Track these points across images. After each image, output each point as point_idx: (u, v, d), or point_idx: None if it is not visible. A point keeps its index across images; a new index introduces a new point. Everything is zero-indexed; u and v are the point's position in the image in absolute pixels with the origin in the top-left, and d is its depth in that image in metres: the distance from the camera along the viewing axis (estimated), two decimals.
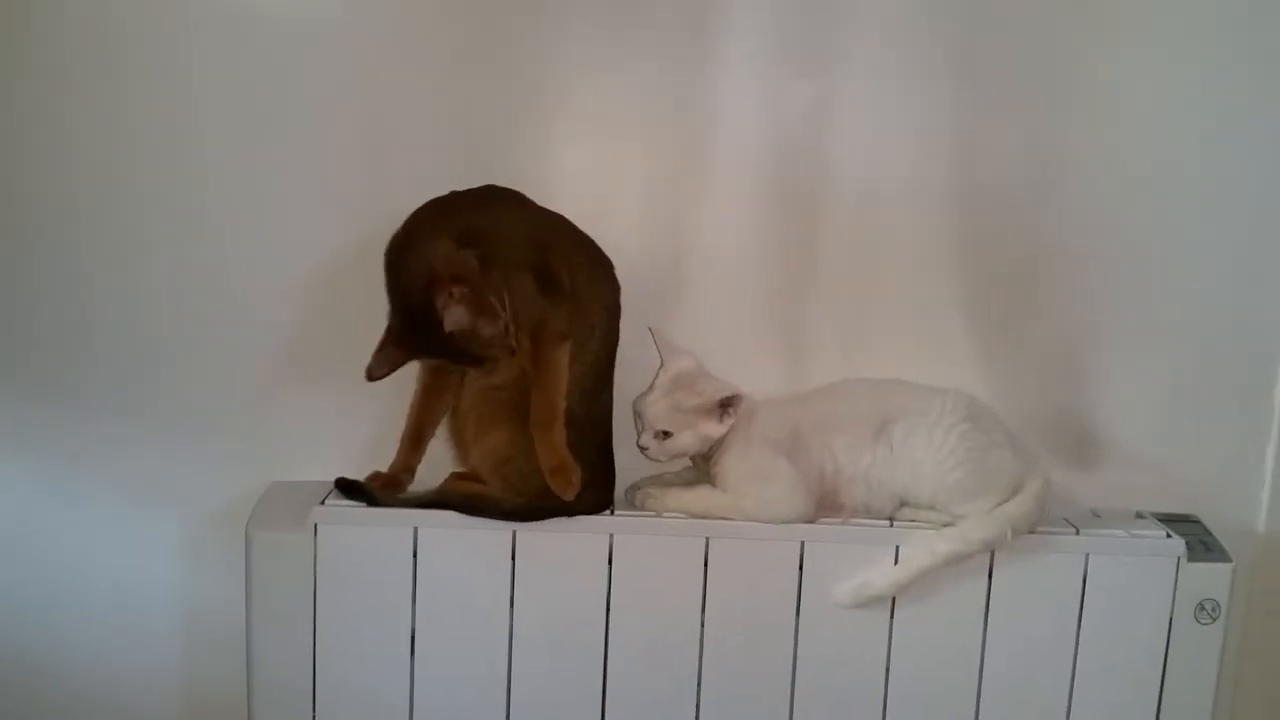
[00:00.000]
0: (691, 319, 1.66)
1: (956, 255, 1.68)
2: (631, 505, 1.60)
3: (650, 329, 1.60)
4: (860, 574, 1.56)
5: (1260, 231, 1.71)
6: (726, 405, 1.56)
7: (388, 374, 1.49)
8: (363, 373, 1.48)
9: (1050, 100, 1.66)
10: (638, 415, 1.59)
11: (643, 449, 1.58)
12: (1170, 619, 1.58)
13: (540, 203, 1.56)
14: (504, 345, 1.48)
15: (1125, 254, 1.70)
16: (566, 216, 1.55)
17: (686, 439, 1.57)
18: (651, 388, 1.59)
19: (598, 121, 1.66)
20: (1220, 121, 1.68)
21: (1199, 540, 1.60)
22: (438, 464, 1.63)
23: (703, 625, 1.57)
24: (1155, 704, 1.60)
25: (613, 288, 1.58)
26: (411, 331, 1.48)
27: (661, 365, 1.60)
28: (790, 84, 1.66)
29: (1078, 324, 1.71)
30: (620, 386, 1.60)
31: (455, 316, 1.44)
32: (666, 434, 1.57)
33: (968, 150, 1.67)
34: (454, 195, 1.52)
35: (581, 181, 1.66)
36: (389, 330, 1.49)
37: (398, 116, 1.63)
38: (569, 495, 1.51)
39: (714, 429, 1.57)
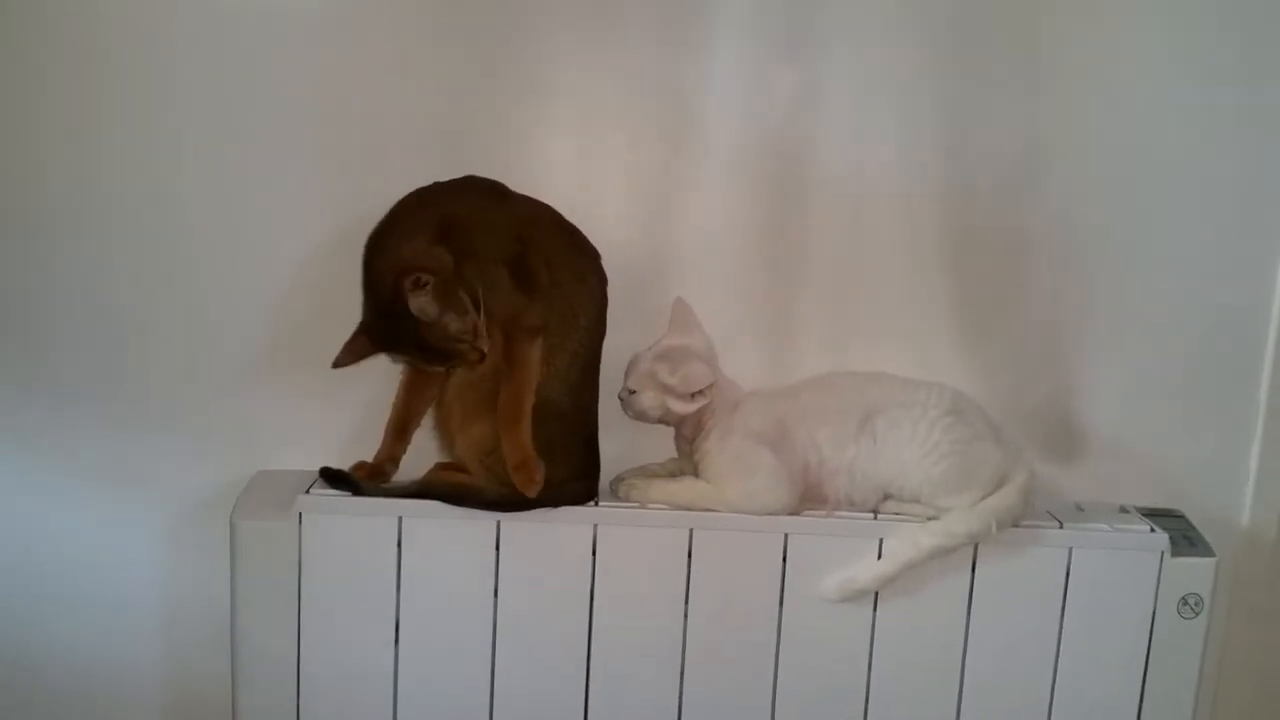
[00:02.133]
0: None
1: (942, 247, 1.68)
2: (615, 496, 1.60)
3: (679, 298, 1.61)
4: (844, 568, 1.55)
5: (1246, 226, 1.70)
6: (696, 395, 1.57)
7: (350, 363, 1.49)
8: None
9: (1037, 93, 1.66)
10: (630, 365, 1.61)
11: (619, 398, 1.61)
12: (1153, 613, 1.58)
13: (526, 194, 1.55)
14: (472, 346, 1.48)
15: (1111, 248, 1.70)
16: (553, 207, 1.55)
17: (648, 401, 1.58)
18: (650, 347, 1.60)
19: (583, 111, 1.66)
20: (1208, 114, 1.67)
21: (1183, 535, 1.60)
22: (423, 454, 1.63)
23: (686, 616, 1.57)
24: (1138, 698, 1.60)
25: (600, 280, 1.57)
26: (381, 324, 1.48)
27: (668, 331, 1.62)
28: (777, 74, 1.65)
29: (1064, 317, 1.71)
30: (608, 378, 1.60)
31: (420, 303, 1.44)
32: (633, 391, 1.59)
33: (954, 142, 1.66)
34: (434, 187, 1.52)
35: (567, 172, 1.65)
36: (361, 323, 1.50)
37: (381, 106, 1.62)
38: (532, 492, 1.51)
39: (678, 405, 1.58)
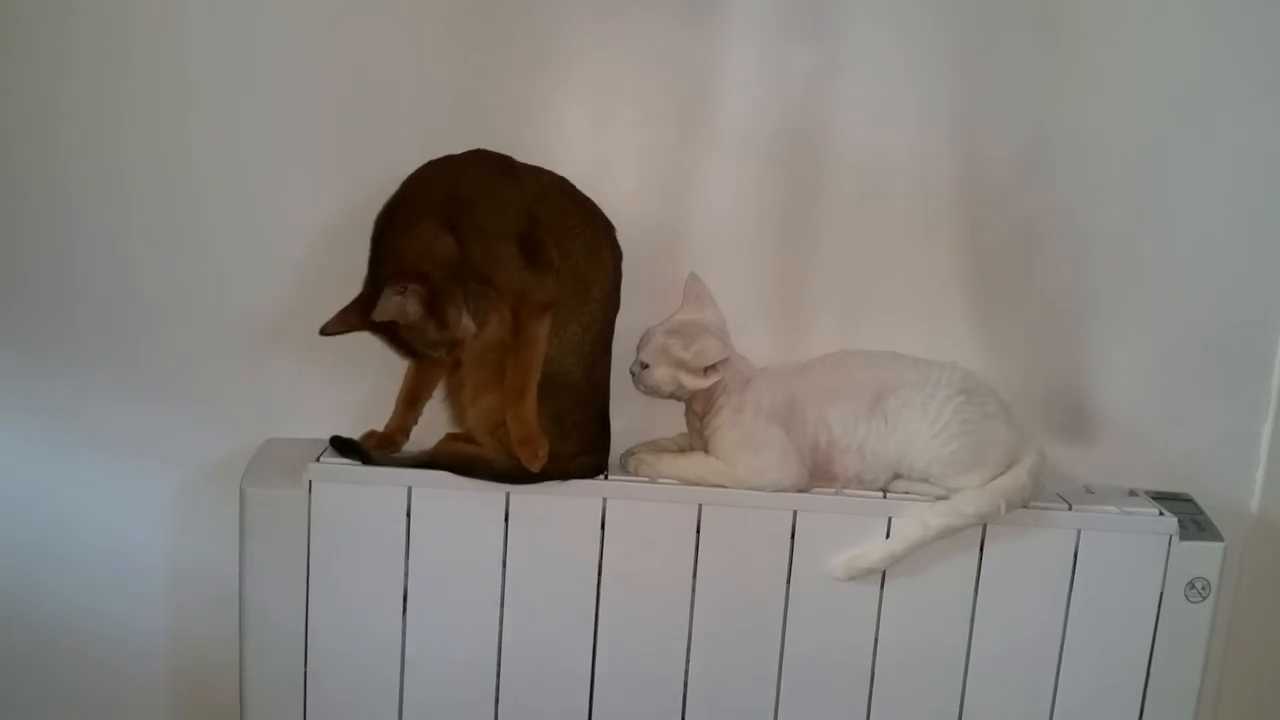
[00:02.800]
0: None
1: (955, 228, 1.67)
2: (625, 470, 1.60)
3: (692, 274, 1.61)
4: (853, 547, 1.56)
5: (1259, 209, 1.69)
6: (709, 370, 1.57)
7: (337, 333, 1.49)
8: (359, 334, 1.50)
9: (1053, 75, 1.65)
10: (642, 340, 1.61)
11: (630, 372, 1.60)
12: (1160, 597, 1.58)
13: (539, 165, 1.55)
14: (447, 354, 1.51)
15: (1124, 230, 1.69)
16: (565, 178, 1.55)
17: (661, 375, 1.57)
18: (662, 322, 1.60)
19: (599, 86, 1.65)
20: (1222, 98, 1.66)
21: (1191, 519, 1.60)
22: (434, 425, 1.63)
23: (693, 591, 1.58)
24: (1143, 681, 1.60)
25: (614, 253, 1.57)
26: (370, 304, 1.49)
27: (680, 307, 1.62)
28: (793, 53, 1.64)
29: (1076, 299, 1.71)
30: (620, 352, 1.60)
31: (391, 307, 1.45)
32: (646, 365, 1.58)
33: (969, 123, 1.65)
34: (445, 162, 1.52)
35: (581, 147, 1.65)
36: (360, 294, 1.50)
37: (395, 78, 1.61)
38: (535, 467, 1.51)
39: (691, 380, 1.57)
